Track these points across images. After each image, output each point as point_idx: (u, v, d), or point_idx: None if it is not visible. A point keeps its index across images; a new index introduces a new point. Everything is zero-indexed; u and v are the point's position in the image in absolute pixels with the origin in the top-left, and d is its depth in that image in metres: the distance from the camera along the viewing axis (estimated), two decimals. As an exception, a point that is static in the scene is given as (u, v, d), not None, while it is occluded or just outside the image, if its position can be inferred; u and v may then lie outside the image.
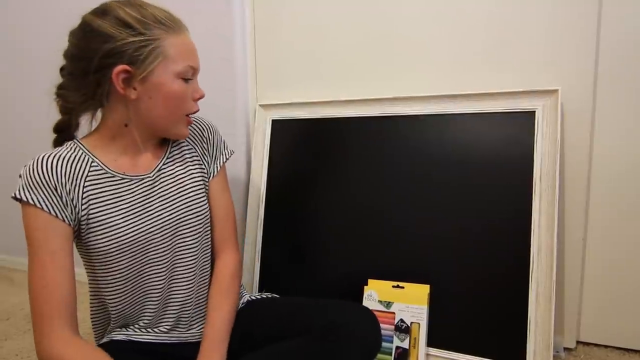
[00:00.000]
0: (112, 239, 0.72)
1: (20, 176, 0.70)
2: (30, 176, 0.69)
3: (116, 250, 0.73)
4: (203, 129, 0.87)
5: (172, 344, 0.81)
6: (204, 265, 0.84)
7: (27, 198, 0.68)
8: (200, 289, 0.84)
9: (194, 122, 0.86)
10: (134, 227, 0.74)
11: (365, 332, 0.74)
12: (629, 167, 0.97)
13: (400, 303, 0.98)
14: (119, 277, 0.75)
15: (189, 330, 0.83)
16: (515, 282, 0.92)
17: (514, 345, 0.90)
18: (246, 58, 1.24)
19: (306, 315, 0.79)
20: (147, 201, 0.76)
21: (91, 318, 0.83)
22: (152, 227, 0.76)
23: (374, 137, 1.09)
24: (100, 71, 0.69)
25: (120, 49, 0.67)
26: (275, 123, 1.21)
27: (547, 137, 0.93)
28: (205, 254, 0.85)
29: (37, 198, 0.68)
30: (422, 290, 0.98)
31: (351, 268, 1.07)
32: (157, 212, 0.77)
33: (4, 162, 1.76)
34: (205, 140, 0.86)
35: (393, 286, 1.00)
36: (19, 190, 0.69)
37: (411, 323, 0.96)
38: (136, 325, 0.79)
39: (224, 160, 0.88)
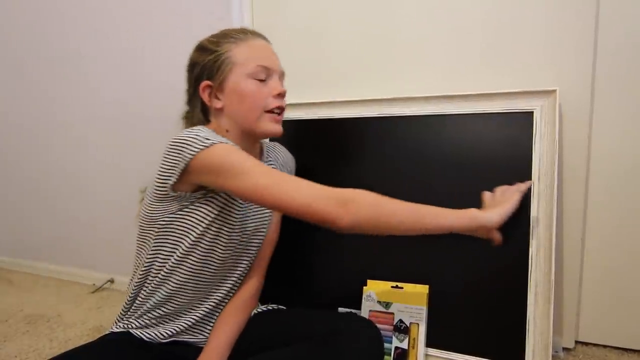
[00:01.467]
0: (223, 221, 0.80)
1: (193, 137, 0.72)
2: (200, 132, 0.73)
3: (217, 233, 0.80)
4: (288, 159, 1.03)
5: (174, 343, 0.83)
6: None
7: (217, 140, 0.72)
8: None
9: (281, 149, 1.02)
10: (231, 221, 0.81)
11: (366, 343, 0.73)
12: (627, 167, 0.97)
13: (399, 303, 0.98)
14: (187, 253, 0.79)
15: (196, 333, 0.85)
16: (514, 283, 0.92)
17: (513, 346, 0.90)
18: (245, 59, 1.24)
19: (309, 324, 0.80)
20: (245, 204, 0.85)
21: (134, 294, 0.85)
22: (247, 225, 0.84)
23: (372, 138, 1.09)
24: (195, 92, 0.84)
25: (202, 69, 0.82)
26: (274, 124, 1.22)
27: (545, 137, 0.93)
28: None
29: (223, 140, 0.74)
30: (421, 291, 0.98)
31: (350, 268, 1.07)
32: (250, 214, 0.86)
33: (2, 168, 1.76)
34: (287, 168, 1.01)
35: (392, 287, 1.00)
36: (205, 140, 0.71)
37: (410, 323, 0.96)
38: (160, 310, 0.82)
39: None
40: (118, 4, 1.38)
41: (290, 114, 1.20)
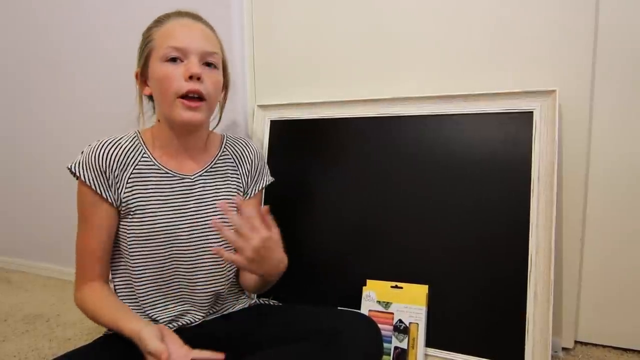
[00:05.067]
0: (144, 225, 0.78)
1: (82, 152, 0.78)
2: (87, 155, 0.77)
3: (144, 237, 0.78)
4: (250, 152, 0.93)
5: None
6: (229, 277, 0.87)
7: (79, 173, 0.77)
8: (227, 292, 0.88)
9: (245, 144, 0.93)
10: (165, 218, 0.80)
11: (366, 341, 0.73)
12: (626, 167, 0.97)
13: (398, 303, 0.98)
14: (142, 264, 0.80)
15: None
16: (514, 282, 0.92)
17: (512, 346, 0.90)
18: (244, 59, 1.24)
19: (308, 321, 0.79)
20: (183, 199, 0.82)
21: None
22: (183, 224, 0.81)
23: (372, 138, 1.09)
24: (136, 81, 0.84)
25: (138, 57, 0.82)
26: (273, 123, 1.22)
27: (544, 137, 0.93)
28: (231, 266, 0.87)
29: (87, 175, 0.76)
30: (420, 291, 0.98)
31: (350, 268, 1.07)
32: (190, 212, 0.82)
33: (2, 168, 1.76)
34: (250, 162, 0.92)
35: (392, 286, 1.00)
36: (76, 164, 0.77)
37: (410, 323, 0.96)
38: (147, 313, 0.83)
39: (264, 185, 0.94)
40: (116, 4, 1.38)
41: (289, 114, 1.20)
